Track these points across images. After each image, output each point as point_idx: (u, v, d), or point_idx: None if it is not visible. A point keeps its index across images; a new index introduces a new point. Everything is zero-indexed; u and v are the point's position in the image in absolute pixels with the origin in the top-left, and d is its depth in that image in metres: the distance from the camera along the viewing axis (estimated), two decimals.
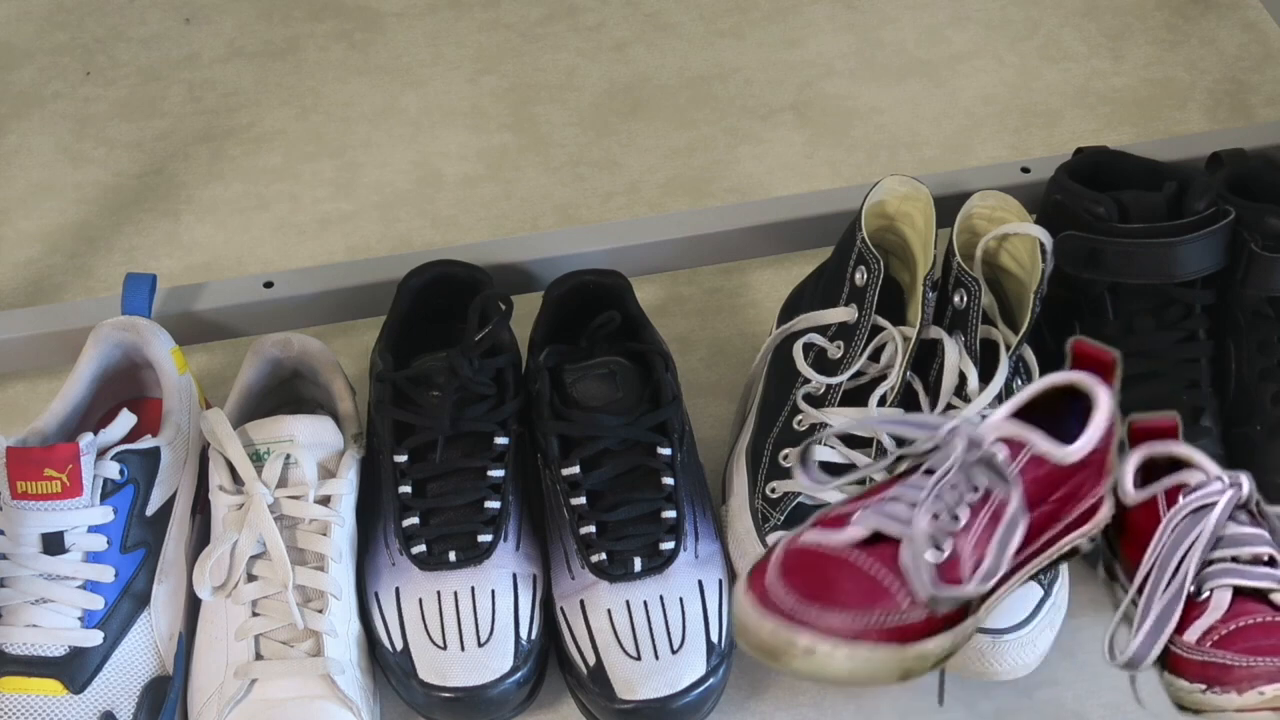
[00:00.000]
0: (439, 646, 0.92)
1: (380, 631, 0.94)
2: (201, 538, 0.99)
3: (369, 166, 1.32)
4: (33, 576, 0.91)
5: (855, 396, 0.99)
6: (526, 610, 0.95)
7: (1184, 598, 0.78)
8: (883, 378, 0.99)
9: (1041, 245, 1.00)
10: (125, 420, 0.96)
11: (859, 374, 1.00)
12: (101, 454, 0.93)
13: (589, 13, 1.46)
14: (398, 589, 0.95)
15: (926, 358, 1.01)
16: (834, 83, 1.39)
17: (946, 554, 0.74)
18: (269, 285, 1.14)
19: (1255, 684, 0.72)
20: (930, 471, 0.77)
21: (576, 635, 0.94)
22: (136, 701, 0.92)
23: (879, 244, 1.03)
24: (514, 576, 0.95)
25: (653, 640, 0.92)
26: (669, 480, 0.97)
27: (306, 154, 1.34)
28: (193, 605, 0.97)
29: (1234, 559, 0.80)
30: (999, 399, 0.98)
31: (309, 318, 1.14)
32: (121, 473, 0.94)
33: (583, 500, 0.96)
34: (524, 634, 0.94)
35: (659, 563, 0.95)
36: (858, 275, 1.01)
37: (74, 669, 0.90)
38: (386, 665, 0.94)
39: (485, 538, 0.96)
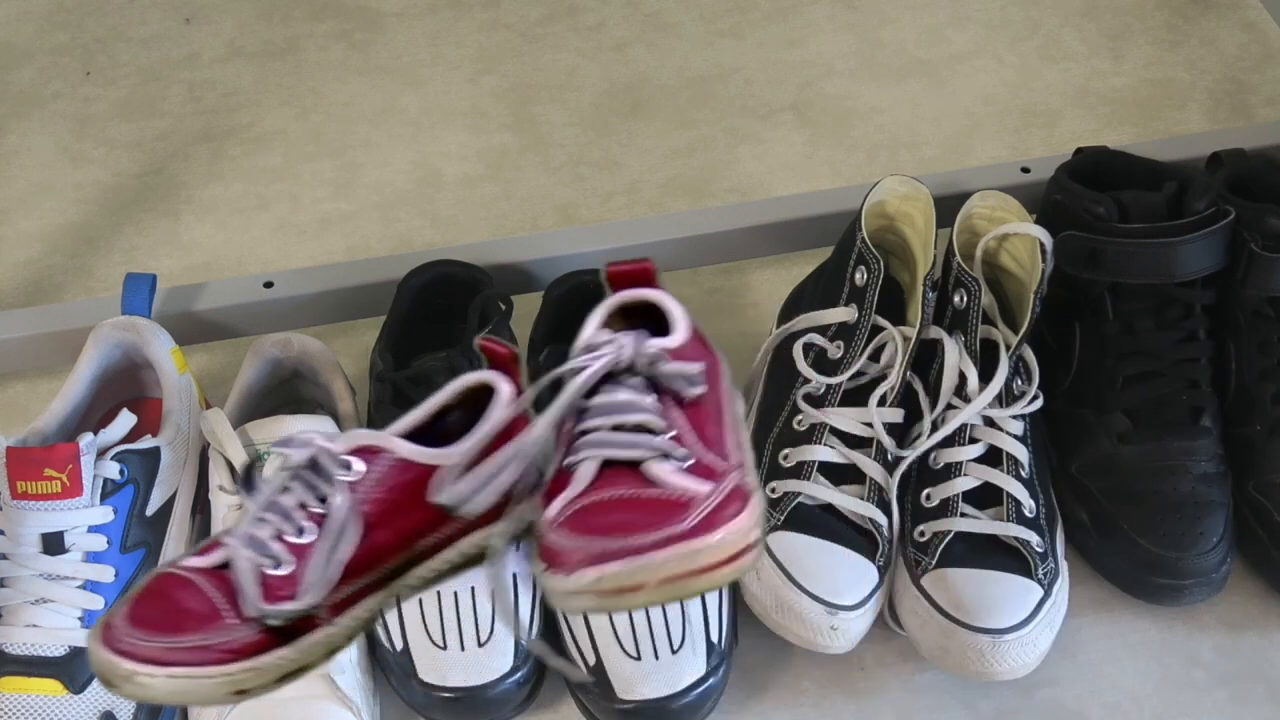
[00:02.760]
0: (439, 646, 0.92)
1: (380, 631, 0.94)
2: (201, 538, 0.99)
3: (369, 166, 1.32)
4: (33, 576, 0.91)
5: (855, 396, 0.99)
6: (526, 610, 0.95)
7: (523, 455, 0.73)
8: (883, 378, 1.00)
9: (1041, 245, 1.00)
10: (125, 420, 0.96)
11: (859, 374, 1.00)
12: (101, 454, 0.93)
13: (589, 13, 1.46)
14: None
15: (926, 358, 1.01)
16: (834, 83, 1.39)
17: (289, 569, 0.74)
18: (269, 285, 1.14)
19: (579, 567, 0.68)
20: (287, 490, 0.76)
21: (576, 635, 0.94)
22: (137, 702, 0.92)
23: (879, 244, 1.03)
24: (514, 576, 0.95)
25: (653, 640, 0.92)
26: None
27: (306, 154, 1.34)
28: None
29: (614, 427, 0.74)
30: (999, 399, 0.98)
31: (309, 318, 1.14)
32: (121, 473, 0.94)
33: None
34: (524, 634, 0.94)
35: None
36: (858, 275, 1.01)
37: (74, 669, 0.90)
38: (386, 665, 0.94)
39: None
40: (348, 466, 0.75)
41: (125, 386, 1.07)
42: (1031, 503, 0.97)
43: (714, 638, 0.93)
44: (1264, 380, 1.03)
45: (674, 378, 0.76)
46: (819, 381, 1.00)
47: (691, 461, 0.73)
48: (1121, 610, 1.02)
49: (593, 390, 0.76)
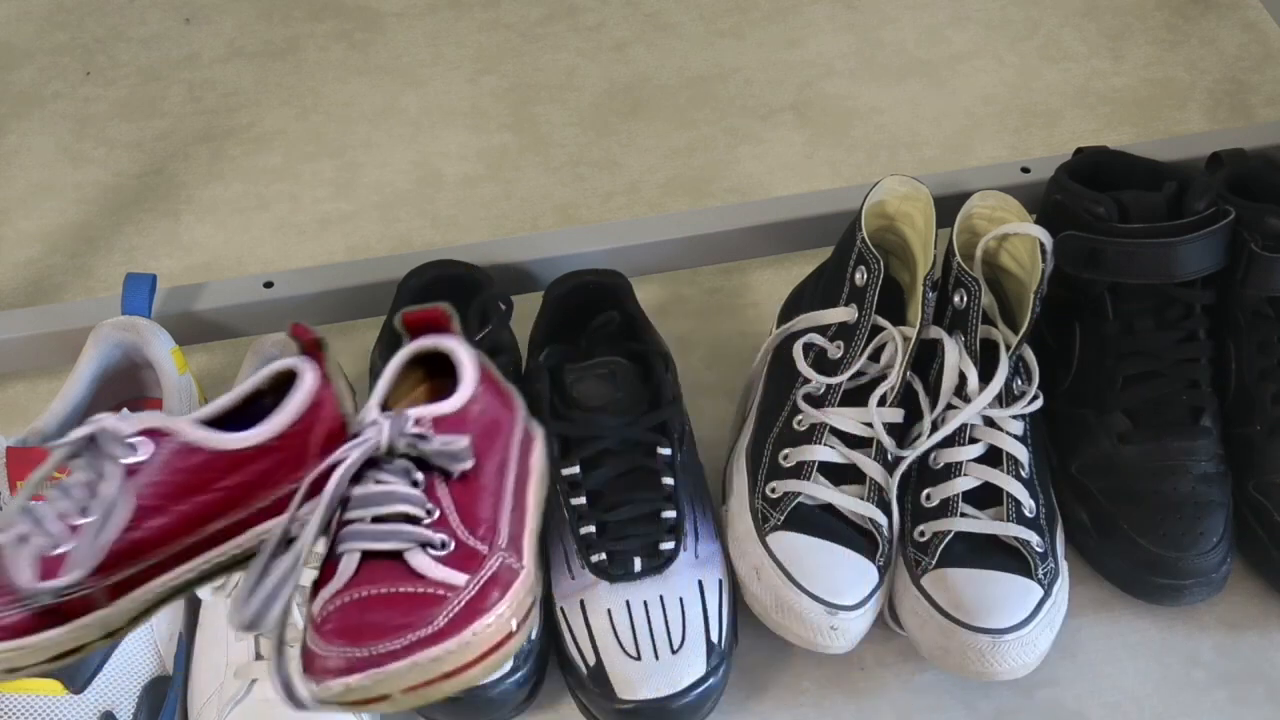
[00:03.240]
0: None
1: None
2: None
3: (369, 166, 1.33)
4: None
5: (855, 396, 0.99)
6: None
7: (300, 563, 0.71)
8: (883, 378, 1.00)
9: (1041, 245, 1.00)
10: None
11: (859, 374, 1.00)
12: None
13: (589, 13, 1.46)
14: None
15: (926, 358, 1.01)
16: (834, 83, 1.39)
17: (67, 548, 0.72)
18: (269, 285, 1.14)
19: (326, 677, 0.67)
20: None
21: (576, 635, 0.94)
22: (136, 701, 0.92)
23: (879, 244, 1.03)
24: None
25: (653, 640, 0.92)
26: (669, 480, 0.97)
27: (306, 154, 1.34)
28: (193, 605, 0.97)
29: (375, 518, 0.73)
30: (999, 399, 0.98)
31: (309, 318, 1.14)
32: None
33: (583, 500, 0.96)
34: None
35: (659, 563, 0.95)
36: (858, 275, 1.01)
37: (74, 669, 0.90)
38: None
39: None
40: (134, 448, 0.74)
41: (125, 386, 1.07)
42: (1031, 503, 0.97)
43: (714, 638, 0.93)
44: (1264, 380, 1.03)
45: (439, 456, 0.75)
46: (819, 381, 1.00)
47: (452, 548, 0.72)
48: (1121, 610, 1.02)
49: (358, 476, 0.75)
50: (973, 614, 0.92)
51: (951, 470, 0.98)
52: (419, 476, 0.75)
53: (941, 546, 0.95)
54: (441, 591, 0.70)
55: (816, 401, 1.00)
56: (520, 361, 1.05)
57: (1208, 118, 1.35)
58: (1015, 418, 0.99)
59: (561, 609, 0.96)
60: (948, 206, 1.05)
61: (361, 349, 1.14)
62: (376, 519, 0.73)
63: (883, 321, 1.00)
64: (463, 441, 0.76)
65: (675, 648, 0.92)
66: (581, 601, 0.95)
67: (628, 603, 0.94)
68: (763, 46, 1.42)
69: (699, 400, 1.13)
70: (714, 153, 1.33)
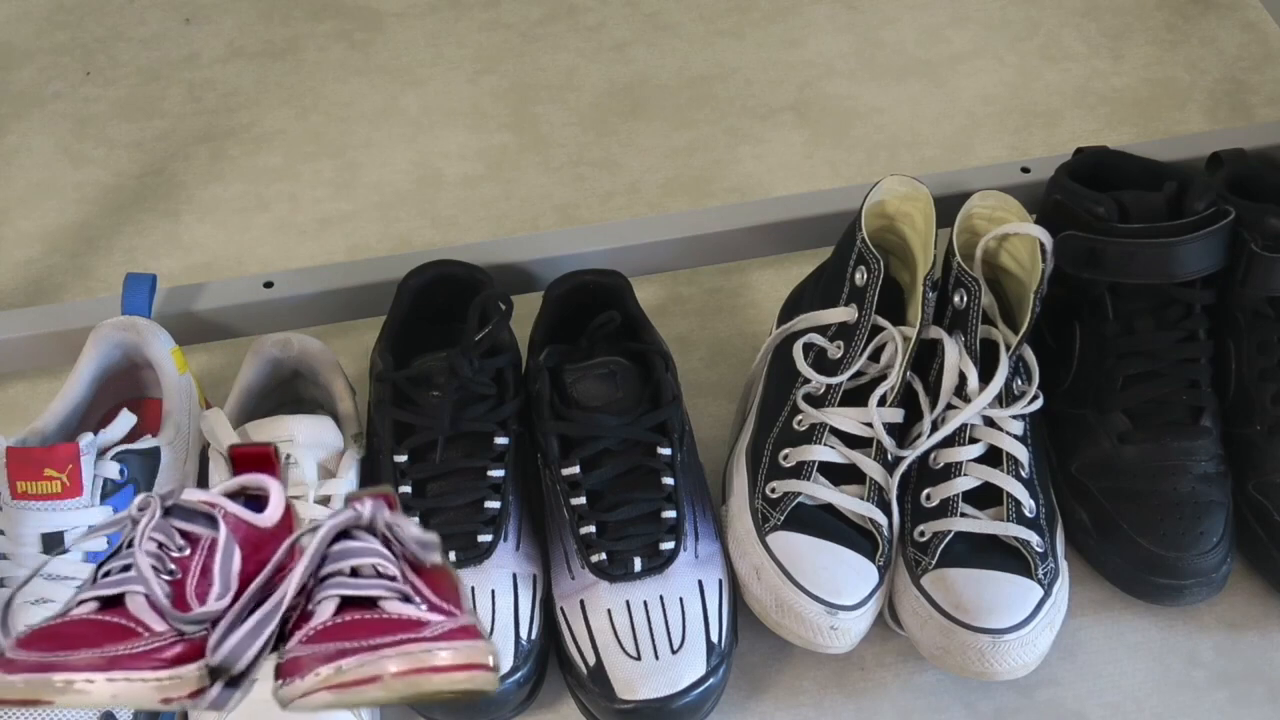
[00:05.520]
0: None
1: None
2: None
3: (369, 166, 1.32)
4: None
5: (855, 396, 0.99)
6: (526, 610, 0.95)
7: (282, 608, 0.76)
8: (883, 378, 1.00)
9: (1041, 245, 1.00)
10: (125, 420, 0.96)
11: (859, 374, 1.00)
12: (101, 454, 0.93)
13: (589, 13, 1.46)
14: None
15: (926, 358, 1.01)
16: (834, 83, 1.39)
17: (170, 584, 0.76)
18: (269, 285, 1.14)
19: (312, 667, 0.71)
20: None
21: (576, 635, 0.94)
22: None
23: (879, 244, 1.03)
24: (514, 576, 0.95)
25: (653, 640, 0.92)
26: (669, 480, 0.98)
27: (306, 154, 1.34)
28: None
29: (347, 571, 0.77)
30: (999, 399, 0.98)
31: (309, 318, 1.14)
32: (121, 473, 0.94)
33: (583, 500, 0.96)
34: (524, 634, 0.94)
35: (659, 563, 0.95)
36: (858, 275, 1.01)
37: None
38: None
39: (485, 538, 0.96)
40: (214, 511, 0.78)
41: (125, 386, 1.07)
42: (1031, 503, 0.97)
43: (714, 638, 0.93)
44: (1264, 380, 1.03)
45: (411, 541, 0.78)
46: (819, 381, 1.00)
47: (425, 608, 0.75)
48: (1121, 610, 1.02)
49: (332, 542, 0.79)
50: (973, 614, 0.92)
51: (951, 470, 0.98)
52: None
53: (941, 546, 0.95)
54: (423, 620, 0.73)
55: (816, 401, 1.00)
56: (520, 361, 1.05)
57: (1208, 118, 1.35)
58: (1015, 418, 0.99)
59: (561, 609, 0.96)
60: (948, 206, 1.05)
61: (361, 349, 1.14)
62: (354, 571, 0.76)
63: (883, 321, 1.00)
64: (434, 536, 0.79)
65: (675, 648, 0.92)
66: (581, 601, 0.95)
67: (628, 603, 0.94)
68: (763, 46, 1.42)
69: (699, 400, 1.13)
70: (714, 153, 1.33)
